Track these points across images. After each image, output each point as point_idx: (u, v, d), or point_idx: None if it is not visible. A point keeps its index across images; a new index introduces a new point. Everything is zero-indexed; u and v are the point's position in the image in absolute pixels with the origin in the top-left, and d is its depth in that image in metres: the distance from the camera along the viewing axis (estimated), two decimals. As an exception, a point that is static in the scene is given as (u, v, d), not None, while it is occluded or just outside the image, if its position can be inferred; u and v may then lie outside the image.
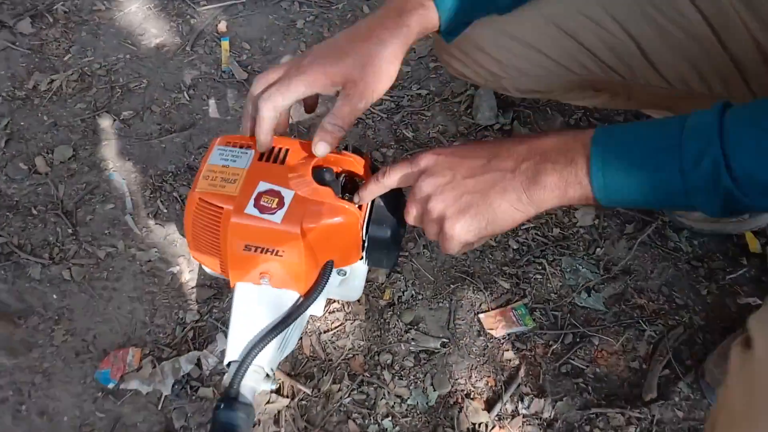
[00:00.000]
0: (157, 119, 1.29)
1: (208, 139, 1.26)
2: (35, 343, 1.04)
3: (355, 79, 0.70)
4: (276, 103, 0.72)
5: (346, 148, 0.83)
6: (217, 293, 1.09)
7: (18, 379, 1.01)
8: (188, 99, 1.32)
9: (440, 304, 1.07)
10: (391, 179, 0.73)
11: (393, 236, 0.82)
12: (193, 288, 1.10)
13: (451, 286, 1.09)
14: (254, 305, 0.85)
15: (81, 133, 1.27)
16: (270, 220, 0.78)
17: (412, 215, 0.71)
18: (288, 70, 0.73)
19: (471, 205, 0.65)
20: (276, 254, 0.80)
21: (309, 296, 0.84)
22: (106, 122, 1.29)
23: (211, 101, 1.32)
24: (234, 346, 0.84)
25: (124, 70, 1.36)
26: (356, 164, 0.81)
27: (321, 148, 0.75)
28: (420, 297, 1.08)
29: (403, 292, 1.08)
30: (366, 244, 0.82)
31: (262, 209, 0.78)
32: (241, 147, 0.84)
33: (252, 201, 0.79)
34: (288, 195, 0.79)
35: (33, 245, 1.14)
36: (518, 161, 0.63)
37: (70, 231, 1.15)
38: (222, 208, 0.79)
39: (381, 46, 0.69)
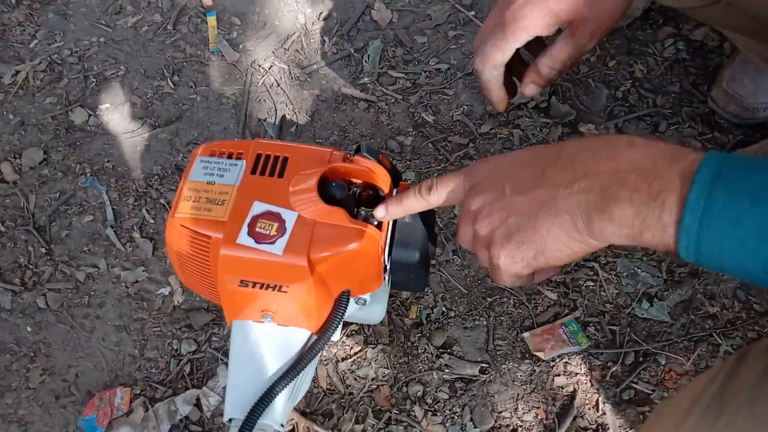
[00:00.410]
0: (139, 112, 1.13)
1: (198, 134, 1.10)
2: (8, 386, 0.90)
3: (585, 14, 0.57)
4: (495, 60, 0.62)
5: (358, 150, 0.68)
6: (216, 318, 0.94)
7: (-10, 430, 0.87)
8: (173, 87, 1.15)
9: (476, 322, 0.92)
10: (439, 196, 0.58)
11: (422, 258, 0.66)
12: (187, 312, 0.94)
13: (488, 299, 0.93)
14: (256, 347, 0.71)
15: (52, 132, 1.11)
16: (269, 252, 0.62)
17: (463, 238, 0.57)
18: (500, 15, 0.61)
19: (518, 228, 0.51)
20: (279, 290, 0.66)
21: (323, 335, 0.69)
22: (80, 118, 1.12)
23: (200, 89, 1.14)
24: (235, 399, 0.69)
25: (98, 56, 1.19)
26: (373, 172, 0.65)
27: (531, 89, 0.66)
28: (452, 314, 0.92)
29: (431, 309, 0.92)
30: (389, 269, 0.67)
31: (259, 237, 0.63)
32: (229, 157, 0.68)
33: (245, 227, 0.63)
34: (290, 218, 0.64)
35: (2, 269, 0.99)
36: (578, 174, 0.47)
37: (43, 250, 1.00)
38: (209, 237, 0.64)
39: None
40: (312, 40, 1.18)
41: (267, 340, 0.70)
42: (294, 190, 0.64)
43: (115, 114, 1.13)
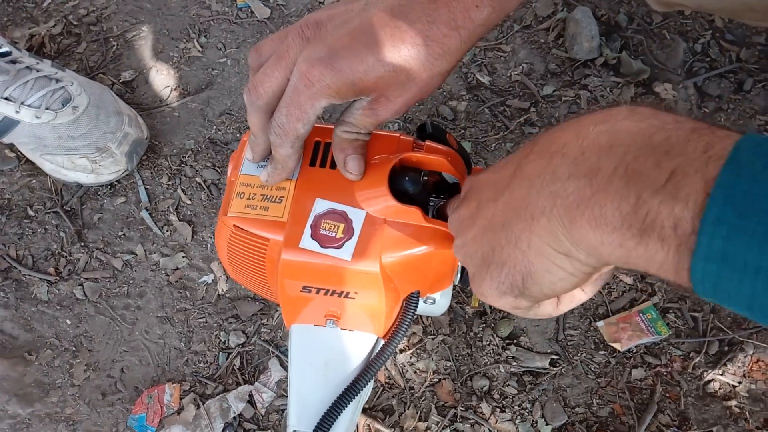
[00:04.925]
0: (165, 80, 1.04)
1: (231, 102, 1.01)
2: (52, 383, 0.86)
3: (390, 95, 0.47)
4: (297, 132, 0.50)
5: (422, 129, 0.60)
6: (263, 308, 0.88)
7: None
8: (201, 49, 1.05)
9: (545, 310, 0.85)
10: None
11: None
12: (233, 301, 0.89)
13: (557, 284, 0.86)
14: (320, 354, 0.66)
15: (75, 103, 1.02)
16: (336, 257, 0.56)
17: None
18: (292, 73, 0.48)
19: (493, 247, 0.39)
20: (346, 296, 0.60)
21: (391, 341, 0.64)
22: (103, 87, 1.03)
23: (229, 51, 1.05)
24: (300, 410, 0.64)
25: (117, 16, 1.09)
26: (449, 163, 0.58)
27: (356, 166, 0.54)
28: (518, 301, 0.85)
29: (496, 297, 0.86)
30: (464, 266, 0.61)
31: (324, 241, 0.57)
32: None
33: (308, 229, 0.57)
34: (357, 217, 0.57)
35: (34, 257, 0.93)
36: (554, 158, 0.34)
37: (76, 236, 0.94)
38: (268, 240, 0.58)
39: (433, 60, 0.46)
40: (350, -8, 1.06)
41: (331, 346, 0.65)
42: (361, 184, 0.57)
43: (140, 82, 1.04)
